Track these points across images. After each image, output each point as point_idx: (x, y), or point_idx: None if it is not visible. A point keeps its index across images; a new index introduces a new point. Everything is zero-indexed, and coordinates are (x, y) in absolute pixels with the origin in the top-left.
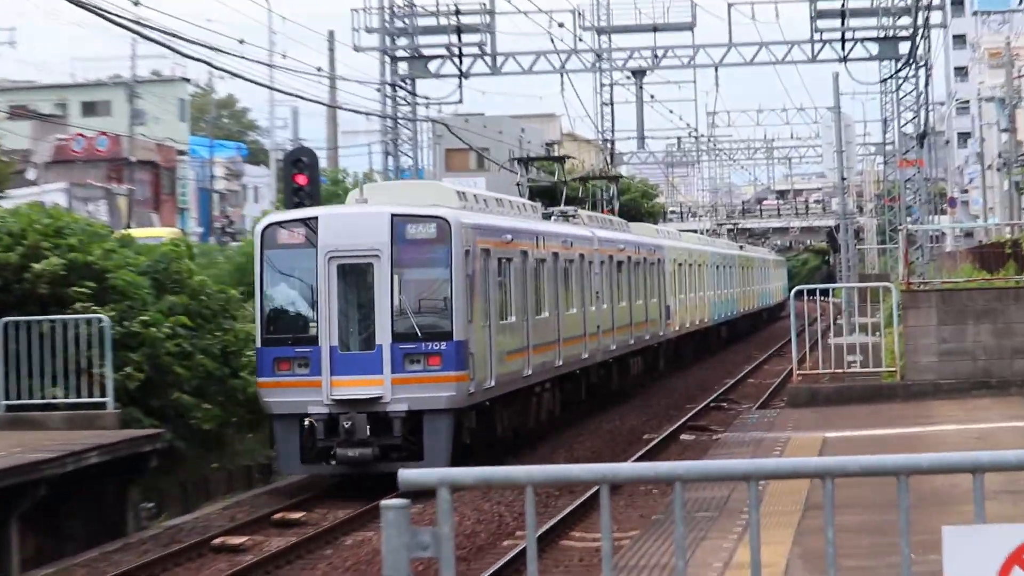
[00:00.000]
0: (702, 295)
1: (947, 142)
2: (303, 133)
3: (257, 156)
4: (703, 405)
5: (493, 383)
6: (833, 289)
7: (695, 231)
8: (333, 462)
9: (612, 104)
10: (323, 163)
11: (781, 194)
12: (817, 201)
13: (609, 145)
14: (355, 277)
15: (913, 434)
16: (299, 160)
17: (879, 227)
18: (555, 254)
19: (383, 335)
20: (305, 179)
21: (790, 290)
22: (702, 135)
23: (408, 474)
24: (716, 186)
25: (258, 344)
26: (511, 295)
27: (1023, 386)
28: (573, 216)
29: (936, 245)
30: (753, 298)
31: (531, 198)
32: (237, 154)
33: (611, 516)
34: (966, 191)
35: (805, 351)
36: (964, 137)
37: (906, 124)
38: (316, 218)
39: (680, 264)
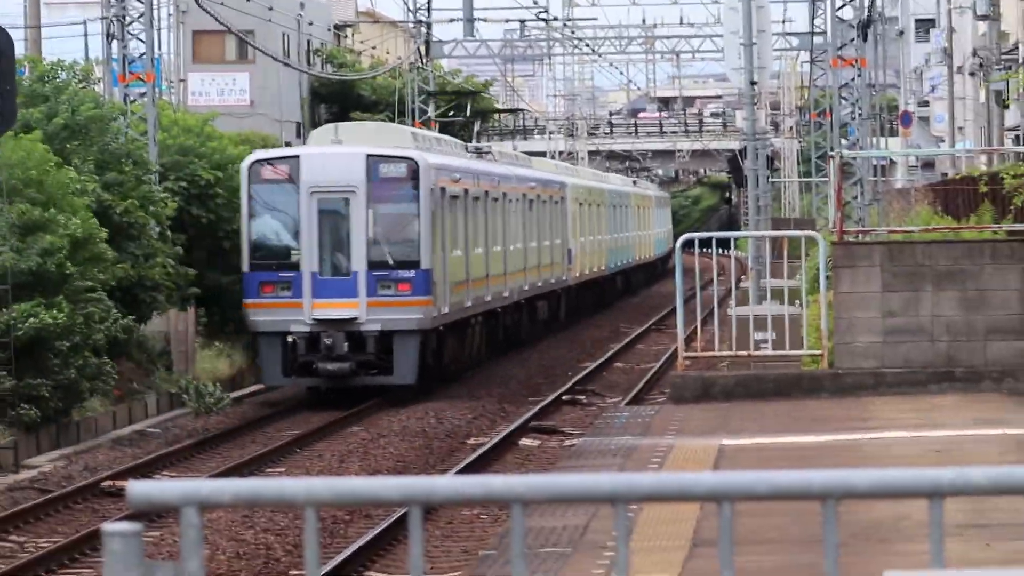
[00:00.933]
0: (601, 239)
1: (900, 33)
2: None
3: None
4: (555, 396)
5: (447, 310)
6: (736, 239)
7: (544, 155)
8: (314, 376)
9: None
10: (21, 49)
11: (664, 103)
12: (715, 114)
13: (423, 30)
14: (333, 210)
15: (846, 443)
16: None
17: (802, 153)
18: (486, 192)
19: (359, 262)
20: None
21: (676, 238)
22: (555, 18)
23: (140, 489)
24: (574, 90)
25: (245, 268)
26: (458, 231)
27: (1000, 379)
28: (488, 153)
29: (882, 180)
30: (648, 246)
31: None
32: None
33: (423, 549)
34: (926, 103)
35: (696, 326)
36: (924, 27)
37: (843, 7)
38: (298, 156)
39: (581, 204)
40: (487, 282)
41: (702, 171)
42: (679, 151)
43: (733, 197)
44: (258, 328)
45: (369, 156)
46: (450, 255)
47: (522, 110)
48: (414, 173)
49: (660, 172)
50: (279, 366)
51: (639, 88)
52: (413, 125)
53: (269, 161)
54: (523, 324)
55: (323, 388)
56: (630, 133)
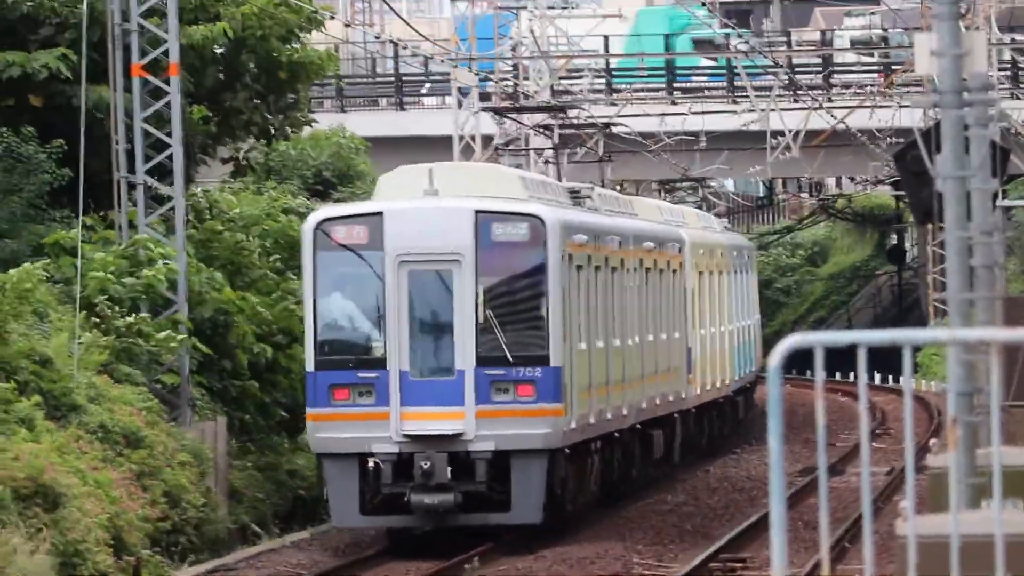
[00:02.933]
0: (724, 331)
1: None
2: None
3: None
4: None
5: (575, 425)
6: (916, 348)
7: (447, 141)
8: (404, 513)
9: None
10: None
11: (739, 17)
12: (862, 44)
13: None
14: (430, 287)
15: None
16: None
17: None
18: (606, 259)
19: (465, 358)
20: None
21: (766, 348)
22: None
23: None
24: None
25: (310, 368)
26: (582, 316)
27: None
28: (588, 197)
29: None
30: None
31: None
32: None
33: None
34: None
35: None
36: None
37: None
38: (381, 213)
39: (701, 272)
40: (608, 391)
41: (829, 182)
42: (777, 135)
43: (907, 244)
44: (327, 448)
45: (479, 213)
46: (576, 348)
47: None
48: (539, 236)
49: (728, 186)
50: (356, 501)
51: None
52: None
53: (342, 220)
54: (635, 460)
55: (417, 531)
56: (657, 94)
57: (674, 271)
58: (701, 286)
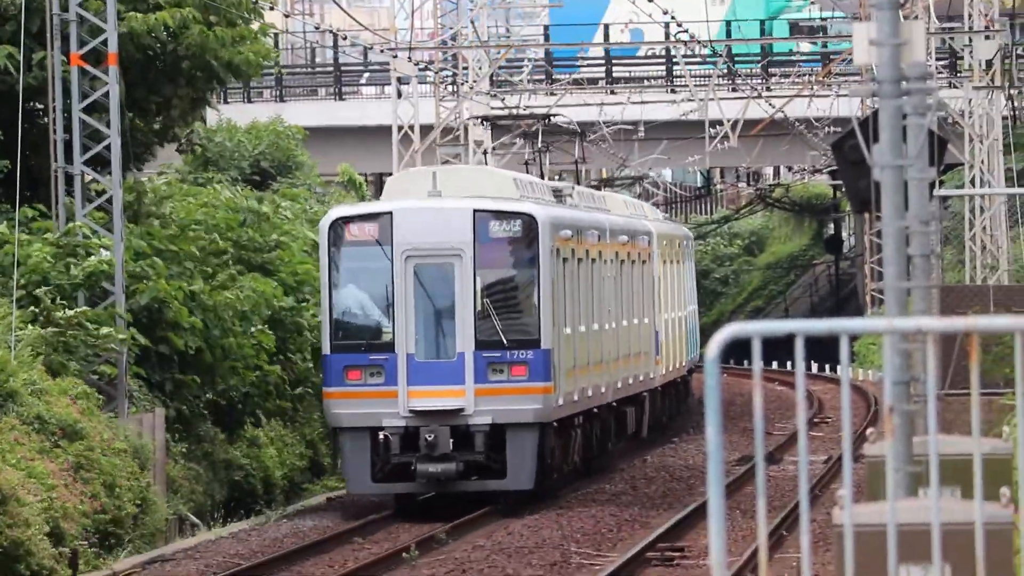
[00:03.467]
0: (681, 316)
1: None
2: None
3: None
4: None
5: (562, 402)
6: (854, 337)
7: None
8: (411, 480)
9: None
10: None
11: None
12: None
13: None
14: (434, 278)
15: None
16: None
17: (1015, 124)
18: (586, 252)
19: (465, 342)
20: None
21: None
22: None
23: None
24: None
25: (326, 351)
26: (566, 303)
27: None
28: (569, 196)
29: None
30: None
31: None
32: None
33: None
34: None
35: (759, 547)
36: None
37: None
38: (390, 213)
39: (665, 261)
40: (589, 372)
41: (767, 171)
42: (716, 124)
43: (845, 234)
44: (342, 423)
45: (477, 212)
46: (563, 333)
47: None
48: (531, 232)
49: (667, 176)
50: (368, 470)
51: None
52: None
53: (355, 218)
54: (611, 434)
55: (418, 496)
56: (598, 84)
57: (644, 261)
58: (664, 274)
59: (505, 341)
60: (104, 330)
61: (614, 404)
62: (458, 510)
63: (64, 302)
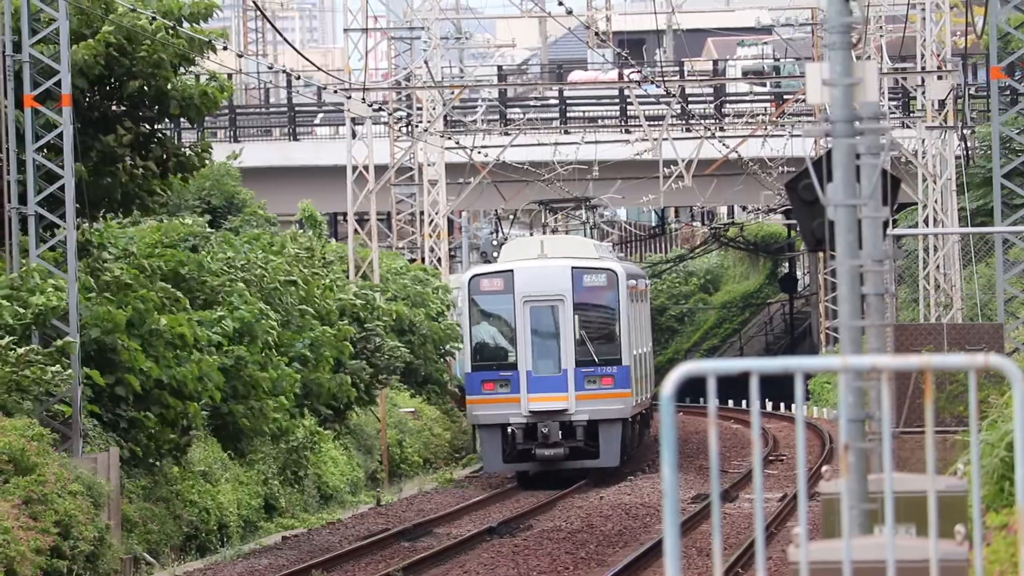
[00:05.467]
0: (644, 352)
1: None
2: None
3: None
4: None
5: (637, 403)
6: (809, 376)
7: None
8: (531, 461)
9: None
10: None
11: (630, 47)
12: (753, 74)
13: None
14: (544, 316)
15: None
16: None
17: (967, 164)
18: (631, 295)
19: (568, 361)
20: None
21: (659, 376)
22: None
23: None
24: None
25: (467, 369)
26: (634, 333)
27: None
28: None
29: None
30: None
31: None
32: None
33: None
34: None
35: None
36: None
37: None
38: (512, 270)
39: (632, 300)
40: (644, 383)
41: (721, 211)
42: (670, 164)
43: (799, 273)
44: (480, 421)
45: (574, 268)
46: (634, 354)
47: None
48: (614, 281)
49: (620, 215)
50: (500, 454)
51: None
52: None
53: (486, 275)
54: (650, 428)
55: (531, 473)
56: (549, 125)
57: (642, 302)
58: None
59: (597, 360)
60: (53, 368)
61: (644, 412)
62: (560, 483)
63: (16, 342)
